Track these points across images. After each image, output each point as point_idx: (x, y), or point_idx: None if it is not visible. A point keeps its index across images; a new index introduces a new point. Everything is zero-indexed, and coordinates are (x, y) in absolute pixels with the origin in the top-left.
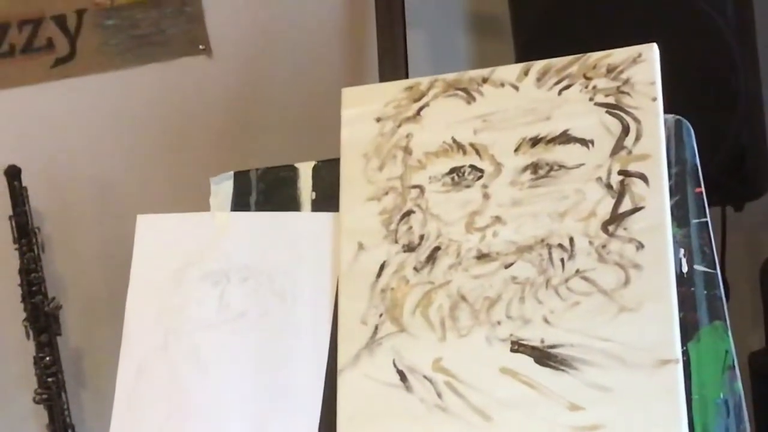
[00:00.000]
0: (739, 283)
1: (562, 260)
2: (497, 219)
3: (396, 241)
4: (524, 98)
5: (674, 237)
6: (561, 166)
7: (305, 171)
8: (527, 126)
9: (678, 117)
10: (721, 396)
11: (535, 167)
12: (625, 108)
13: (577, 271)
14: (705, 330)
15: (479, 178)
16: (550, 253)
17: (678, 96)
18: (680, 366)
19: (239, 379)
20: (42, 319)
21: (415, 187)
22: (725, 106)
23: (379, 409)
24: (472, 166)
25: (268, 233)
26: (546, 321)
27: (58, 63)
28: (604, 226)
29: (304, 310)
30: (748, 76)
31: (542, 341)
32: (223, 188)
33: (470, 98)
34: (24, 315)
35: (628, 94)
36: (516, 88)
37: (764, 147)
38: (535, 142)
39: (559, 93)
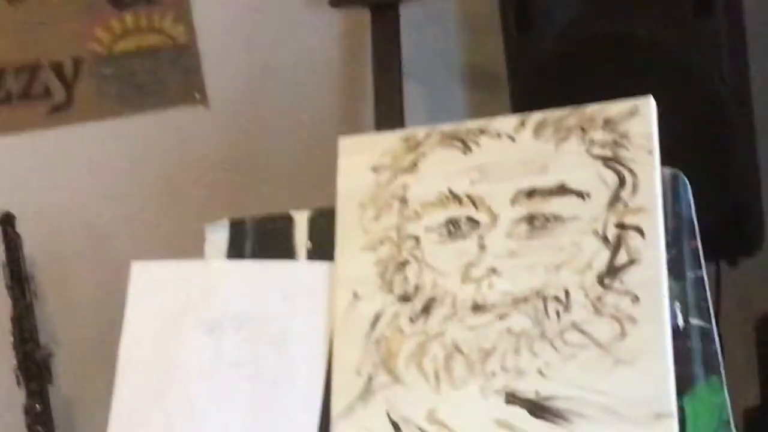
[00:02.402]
0: (733, 339)
1: (558, 312)
2: (493, 270)
3: (391, 291)
4: (521, 150)
5: (670, 290)
6: (557, 218)
7: (301, 220)
8: (524, 177)
9: (674, 171)
10: None
11: (531, 219)
12: (621, 161)
13: (573, 323)
14: (700, 384)
15: (475, 229)
16: (545, 305)
17: (674, 151)
18: (675, 420)
19: (233, 428)
20: (33, 367)
21: (410, 237)
22: (721, 163)
23: None
24: (468, 217)
25: (263, 282)
26: (541, 373)
27: (54, 110)
28: (600, 279)
29: (298, 359)
30: (744, 133)
31: (537, 393)
32: (218, 236)
33: (467, 149)
34: (15, 362)
35: (624, 146)
36: (513, 139)
37: (760, 204)
38: (531, 193)
39: (556, 145)
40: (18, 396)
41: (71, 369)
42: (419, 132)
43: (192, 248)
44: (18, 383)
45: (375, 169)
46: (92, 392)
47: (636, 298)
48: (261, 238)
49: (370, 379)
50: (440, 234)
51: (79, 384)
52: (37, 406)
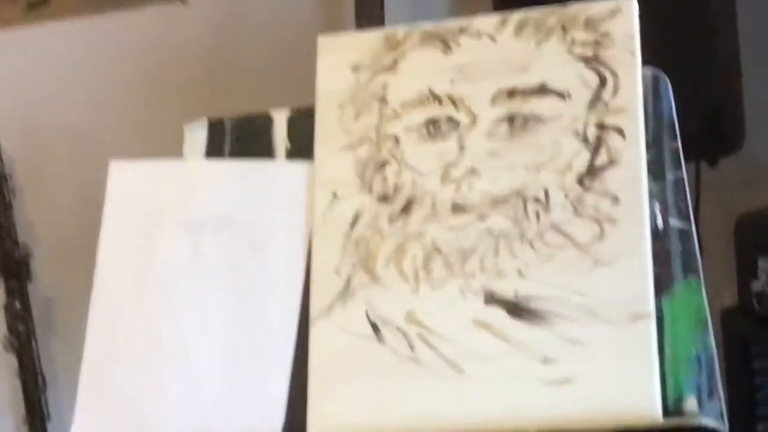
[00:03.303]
0: (712, 239)
1: (537, 213)
2: (472, 171)
3: (370, 192)
4: (502, 49)
5: (650, 191)
6: (537, 119)
7: (280, 120)
8: (504, 77)
9: (656, 71)
10: (694, 351)
11: (511, 119)
12: (602, 61)
13: (552, 224)
14: (679, 285)
15: (455, 129)
16: (525, 206)
17: (656, 51)
18: (653, 321)
19: (212, 328)
20: (12, 266)
21: (390, 137)
22: (703, 62)
23: (351, 360)
24: (449, 117)
25: (242, 182)
26: (520, 274)
27: (32, 7)
28: (580, 180)
29: (277, 259)
30: (727, 31)
31: (516, 294)
32: (197, 136)
33: (447, 49)
34: None
35: (606, 46)
36: (493, 39)
37: (740, 103)
38: (511, 93)
39: (537, 45)
40: None
41: (50, 268)
42: (399, 31)
43: (171, 148)
44: None
45: (354, 69)
46: (71, 291)
47: (616, 199)
48: (240, 138)
49: (349, 279)
50: (420, 134)
51: (58, 283)
52: (17, 304)
